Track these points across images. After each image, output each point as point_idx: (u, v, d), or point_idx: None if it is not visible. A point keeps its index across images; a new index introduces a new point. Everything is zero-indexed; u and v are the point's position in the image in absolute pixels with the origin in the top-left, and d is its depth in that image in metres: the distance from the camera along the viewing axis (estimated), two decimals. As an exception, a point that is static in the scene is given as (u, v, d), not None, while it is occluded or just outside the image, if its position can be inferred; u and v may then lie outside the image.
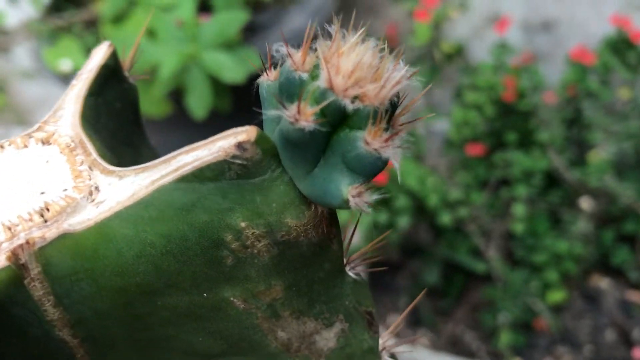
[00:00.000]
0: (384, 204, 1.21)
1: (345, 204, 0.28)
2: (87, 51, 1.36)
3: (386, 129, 0.27)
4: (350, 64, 0.27)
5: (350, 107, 0.27)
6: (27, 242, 0.28)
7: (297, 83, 0.28)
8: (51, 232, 0.28)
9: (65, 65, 1.22)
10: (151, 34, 1.26)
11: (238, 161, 0.28)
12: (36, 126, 0.34)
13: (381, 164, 0.28)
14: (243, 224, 0.29)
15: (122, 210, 0.28)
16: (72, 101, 0.35)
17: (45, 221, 0.28)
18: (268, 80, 0.30)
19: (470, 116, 1.30)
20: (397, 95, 0.28)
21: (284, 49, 0.28)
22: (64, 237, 0.28)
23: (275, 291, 0.32)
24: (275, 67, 0.30)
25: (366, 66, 0.27)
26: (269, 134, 0.30)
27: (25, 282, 0.28)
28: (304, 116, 0.27)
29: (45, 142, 0.33)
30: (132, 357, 0.33)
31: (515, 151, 1.32)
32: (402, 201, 1.21)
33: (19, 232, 0.28)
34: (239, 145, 0.28)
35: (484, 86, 1.29)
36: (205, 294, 0.31)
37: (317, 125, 0.27)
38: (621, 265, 1.34)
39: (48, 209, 0.29)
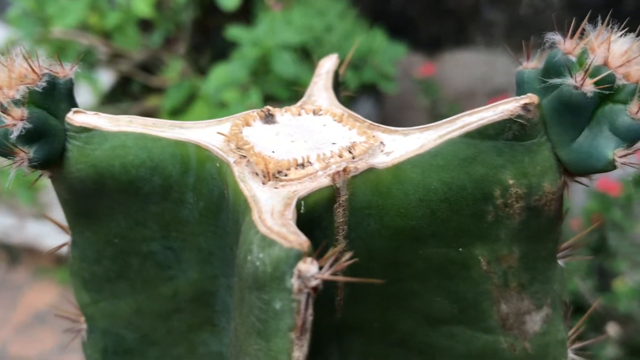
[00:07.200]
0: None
1: (611, 166, 0.33)
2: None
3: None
4: (622, 48, 0.33)
5: (620, 81, 0.32)
6: (344, 170, 0.31)
7: (567, 64, 0.33)
8: (361, 165, 0.32)
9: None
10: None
11: (520, 121, 0.33)
12: (298, 104, 0.39)
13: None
14: (511, 181, 0.34)
15: (413, 157, 0.33)
16: (321, 90, 0.40)
17: (353, 158, 0.32)
18: (527, 68, 0.36)
19: None
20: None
21: (554, 37, 0.34)
22: (370, 171, 0.32)
23: (512, 258, 0.36)
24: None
25: (634, 51, 0.33)
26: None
27: (335, 205, 0.32)
28: (587, 83, 0.32)
29: (316, 112, 0.37)
30: (375, 315, 0.36)
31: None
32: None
33: (332, 164, 0.32)
34: (525, 107, 0.33)
35: None
36: (460, 249, 0.34)
37: (598, 90, 0.32)
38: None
39: (355, 148, 0.33)
